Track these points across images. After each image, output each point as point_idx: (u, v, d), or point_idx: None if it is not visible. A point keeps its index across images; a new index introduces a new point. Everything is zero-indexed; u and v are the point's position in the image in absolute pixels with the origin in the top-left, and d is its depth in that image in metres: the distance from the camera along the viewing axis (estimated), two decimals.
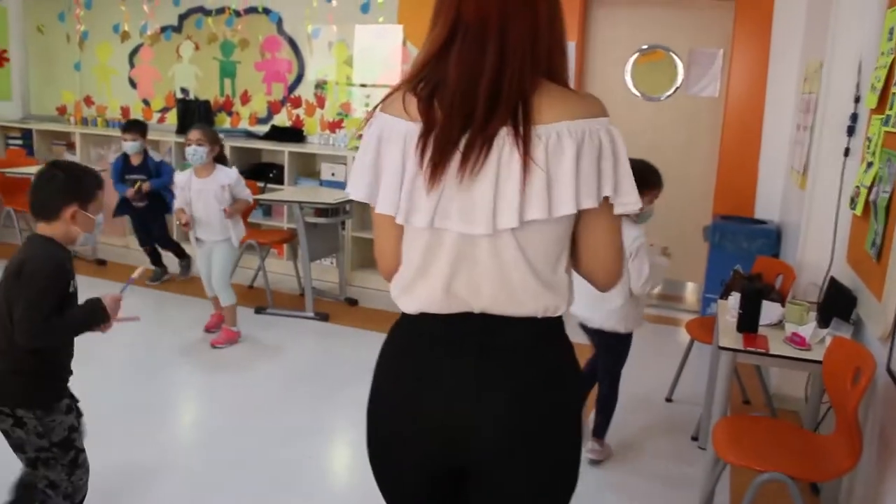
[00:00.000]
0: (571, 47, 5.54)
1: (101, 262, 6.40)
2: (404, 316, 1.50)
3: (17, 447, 2.30)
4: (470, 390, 1.41)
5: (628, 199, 1.37)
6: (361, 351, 4.63)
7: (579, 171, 1.33)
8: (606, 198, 1.36)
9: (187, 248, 5.85)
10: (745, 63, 5.18)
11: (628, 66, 5.62)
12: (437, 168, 1.34)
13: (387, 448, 1.54)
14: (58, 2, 7.53)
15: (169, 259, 6.03)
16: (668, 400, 4.10)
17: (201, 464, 3.27)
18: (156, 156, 5.96)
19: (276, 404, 3.89)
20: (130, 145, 5.64)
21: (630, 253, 3.09)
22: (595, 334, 3.30)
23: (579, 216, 1.39)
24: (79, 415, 2.42)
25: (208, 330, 4.82)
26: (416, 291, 1.45)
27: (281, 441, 3.49)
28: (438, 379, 1.43)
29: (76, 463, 2.35)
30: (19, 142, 7.42)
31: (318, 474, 3.32)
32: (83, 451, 2.40)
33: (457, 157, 1.33)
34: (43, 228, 2.33)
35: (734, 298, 3.17)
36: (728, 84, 5.27)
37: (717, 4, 5.36)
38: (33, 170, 6.06)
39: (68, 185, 2.32)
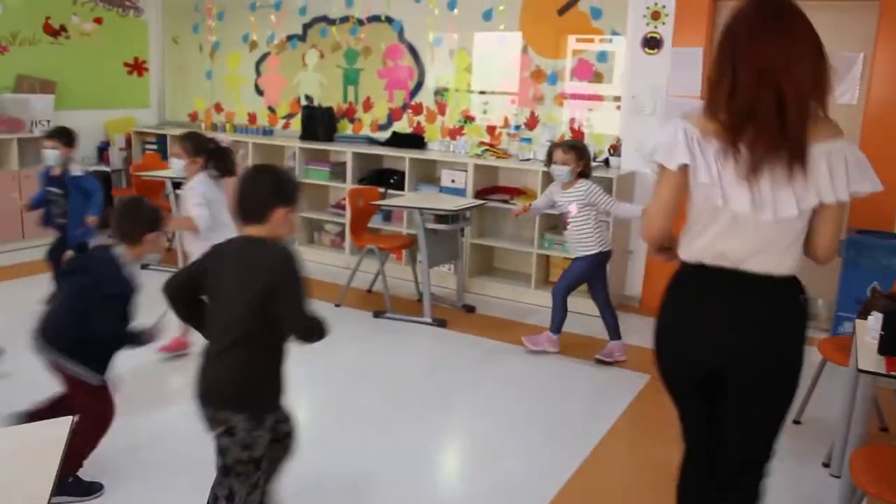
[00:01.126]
0: (699, 53, 5.39)
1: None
2: (685, 263, 2.16)
3: (221, 452, 2.37)
4: (733, 320, 2.09)
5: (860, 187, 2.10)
6: (478, 357, 4.67)
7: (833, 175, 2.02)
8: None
9: None
10: (889, 67, 4.90)
11: None
12: (753, 173, 1.97)
13: (672, 357, 2.24)
14: (192, 14, 7.92)
15: None
16: (797, 422, 3.92)
17: (313, 460, 3.33)
18: (75, 169, 5.17)
19: (390, 406, 3.95)
20: (50, 154, 4.99)
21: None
22: None
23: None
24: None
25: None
26: (694, 247, 2.11)
27: (391, 441, 3.54)
28: (711, 310, 2.11)
29: (257, 484, 2.41)
30: (154, 146, 7.82)
31: (423, 470, 3.35)
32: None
33: (767, 167, 1.98)
34: (253, 230, 2.38)
35: (875, 319, 2.99)
36: (869, 90, 5.00)
37: (857, 5, 5.09)
38: (168, 173, 6.37)
39: (276, 188, 2.40)
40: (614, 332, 4.67)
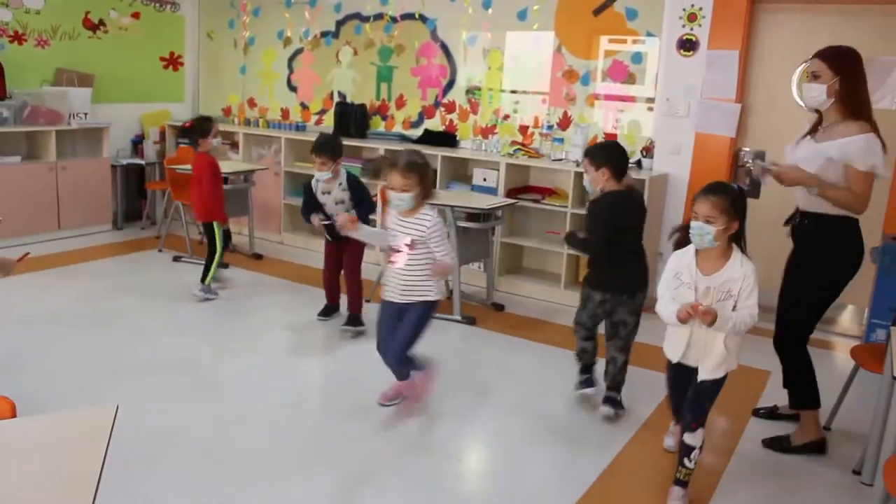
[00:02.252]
0: (734, 56, 5.35)
1: (258, 256, 6.72)
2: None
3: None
4: None
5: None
6: (506, 356, 4.69)
7: None
8: None
9: None
10: None
11: (794, 77, 5.36)
12: None
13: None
14: (228, 10, 7.99)
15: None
16: (827, 428, 3.88)
17: (341, 454, 3.38)
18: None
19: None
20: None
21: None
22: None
23: None
24: None
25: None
26: None
27: (419, 438, 3.58)
28: None
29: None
30: (187, 140, 7.89)
31: (448, 469, 3.38)
32: None
33: None
34: None
35: None
36: None
37: None
38: None
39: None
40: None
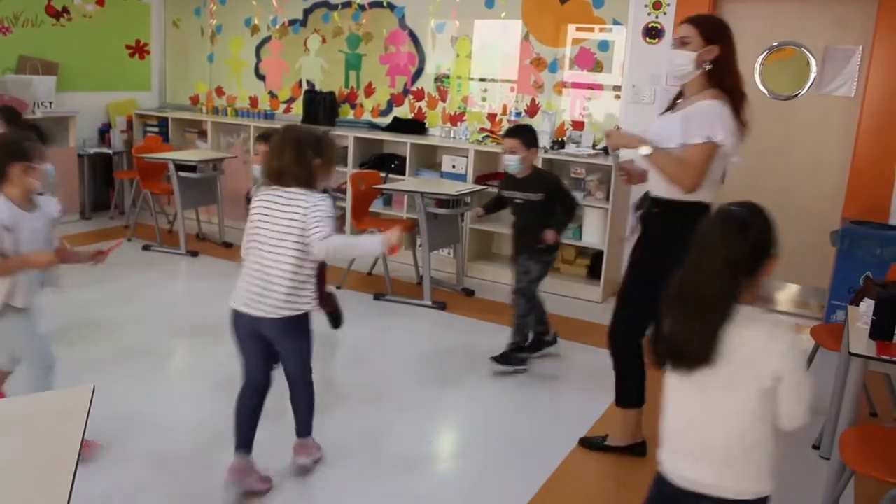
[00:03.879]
0: None
1: (228, 245, 6.71)
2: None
3: None
4: None
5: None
6: (476, 340, 4.74)
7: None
8: None
9: None
10: (887, 61, 4.96)
11: (757, 64, 5.47)
12: None
13: None
14: None
15: None
16: None
17: (315, 433, 3.39)
18: None
19: (390, 388, 4.02)
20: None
21: None
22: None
23: None
24: None
25: None
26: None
27: (390, 422, 3.63)
28: None
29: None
30: (156, 129, 7.86)
31: (425, 456, 3.44)
32: None
33: None
34: None
35: (866, 305, 3.07)
36: (866, 83, 5.07)
37: None
38: (170, 155, 6.44)
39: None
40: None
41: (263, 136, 4.16)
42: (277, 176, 2.78)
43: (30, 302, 2.96)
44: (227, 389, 3.62)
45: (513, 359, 4.25)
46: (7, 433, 1.80)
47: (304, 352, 2.96)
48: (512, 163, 4.15)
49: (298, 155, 2.78)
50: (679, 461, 1.95)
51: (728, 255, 1.80)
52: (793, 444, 3.61)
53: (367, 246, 2.93)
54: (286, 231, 2.74)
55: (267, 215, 2.79)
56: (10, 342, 2.99)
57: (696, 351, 1.82)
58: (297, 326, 2.87)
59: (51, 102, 6.94)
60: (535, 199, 4.14)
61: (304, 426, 3.13)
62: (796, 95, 5.40)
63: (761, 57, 5.46)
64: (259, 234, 2.80)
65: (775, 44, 5.42)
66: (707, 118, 2.89)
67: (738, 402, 1.84)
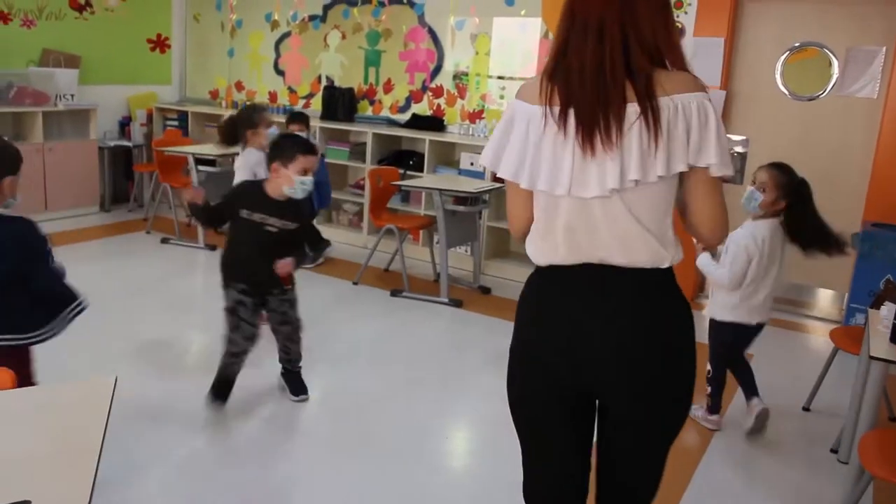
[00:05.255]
0: (720, 43, 5.41)
1: None
2: (537, 268, 1.80)
3: None
4: (592, 325, 1.69)
5: (712, 160, 1.59)
6: (492, 338, 4.74)
7: (670, 139, 1.58)
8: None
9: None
10: None
11: (779, 65, 5.44)
12: (585, 143, 1.61)
13: (523, 374, 1.85)
14: None
15: None
16: (806, 409, 3.98)
17: (329, 432, 3.45)
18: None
19: (405, 383, 4.03)
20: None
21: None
22: None
23: (681, 179, 1.66)
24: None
25: None
26: (543, 246, 1.75)
27: (405, 418, 3.64)
28: (565, 314, 1.72)
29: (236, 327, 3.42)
30: (175, 123, 7.90)
31: (434, 449, 3.46)
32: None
33: (598, 133, 1.60)
34: None
35: (887, 308, 3.05)
36: (889, 85, 5.02)
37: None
38: (189, 149, 6.47)
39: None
40: None
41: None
42: None
43: None
44: (241, 381, 3.65)
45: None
46: (29, 423, 1.81)
47: None
48: None
49: None
50: None
51: None
52: (811, 447, 3.60)
53: None
54: None
55: None
56: None
57: None
58: None
59: (72, 95, 6.99)
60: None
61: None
62: (818, 96, 5.36)
63: (782, 57, 5.42)
64: None
65: (797, 44, 5.38)
66: None
67: None
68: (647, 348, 1.68)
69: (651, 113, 1.57)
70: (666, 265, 1.68)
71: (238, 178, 4.39)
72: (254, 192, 3.43)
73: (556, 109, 1.64)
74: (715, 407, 3.69)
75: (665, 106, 1.58)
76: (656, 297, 1.70)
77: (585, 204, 1.64)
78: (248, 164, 4.48)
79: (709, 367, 3.66)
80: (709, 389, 3.68)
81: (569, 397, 1.78)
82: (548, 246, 1.73)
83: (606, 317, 1.67)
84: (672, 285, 1.72)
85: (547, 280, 1.76)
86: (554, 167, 1.65)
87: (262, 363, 3.82)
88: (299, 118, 5.72)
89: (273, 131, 5.39)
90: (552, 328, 1.74)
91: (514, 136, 1.71)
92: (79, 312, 2.78)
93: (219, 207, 3.50)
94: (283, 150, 3.37)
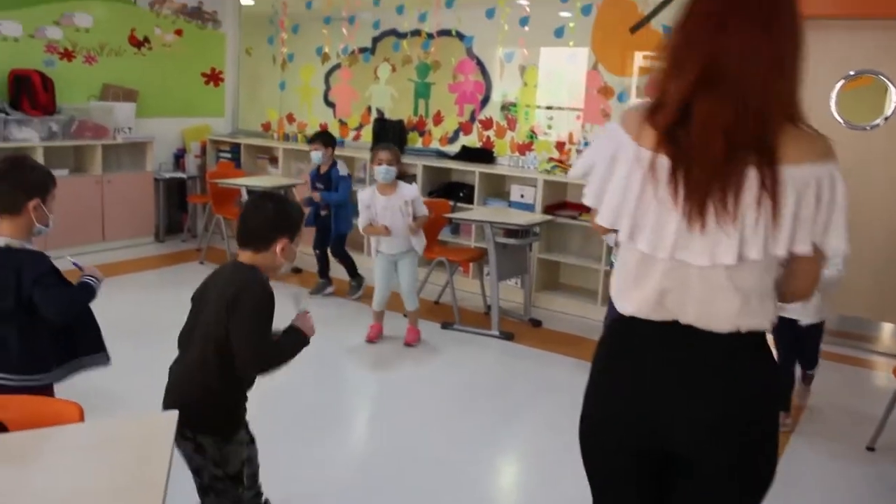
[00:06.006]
0: None
1: (297, 271, 6.79)
2: (622, 317, 1.66)
3: (195, 472, 2.35)
4: (681, 389, 1.57)
5: (839, 245, 1.47)
6: (543, 371, 4.71)
7: (796, 217, 1.44)
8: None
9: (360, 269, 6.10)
10: None
11: (833, 93, 5.35)
12: (696, 210, 1.47)
13: (597, 429, 1.73)
14: (267, 27, 8.15)
15: (334, 274, 6.27)
16: (870, 448, 3.86)
17: (381, 459, 3.48)
18: (342, 169, 6.00)
19: (455, 415, 4.03)
20: (314, 155, 5.97)
21: None
22: None
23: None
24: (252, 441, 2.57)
25: (370, 341, 5.02)
26: (635, 296, 1.60)
27: (454, 448, 3.64)
28: (646, 372, 1.60)
29: (240, 499, 2.41)
30: (228, 155, 8.05)
31: (485, 483, 3.43)
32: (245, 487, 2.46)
33: (710, 201, 1.45)
34: (248, 257, 2.37)
35: None
36: None
37: None
38: (242, 181, 6.58)
39: (278, 218, 2.36)
40: None
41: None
42: None
43: None
44: (274, 398, 3.66)
45: None
46: (94, 456, 1.84)
47: None
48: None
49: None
50: None
51: None
52: (874, 488, 3.49)
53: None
54: None
55: None
56: None
57: None
58: None
59: (130, 128, 7.18)
60: None
61: None
62: (875, 125, 5.27)
63: (838, 86, 5.34)
64: None
65: (852, 72, 5.30)
66: None
67: None
68: (741, 418, 1.55)
69: (775, 185, 1.42)
70: (763, 328, 1.56)
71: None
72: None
73: (666, 162, 1.48)
74: (786, 406, 3.89)
75: (790, 177, 1.43)
76: (748, 360, 1.56)
77: (684, 264, 1.52)
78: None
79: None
80: None
81: (647, 457, 1.67)
82: (639, 296, 1.59)
83: (697, 380, 1.56)
84: (764, 347, 1.60)
85: (633, 332, 1.64)
86: (657, 226, 1.51)
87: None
88: (315, 138, 6.03)
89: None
90: (636, 387, 1.62)
91: (616, 178, 1.54)
92: (97, 366, 2.71)
93: None
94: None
